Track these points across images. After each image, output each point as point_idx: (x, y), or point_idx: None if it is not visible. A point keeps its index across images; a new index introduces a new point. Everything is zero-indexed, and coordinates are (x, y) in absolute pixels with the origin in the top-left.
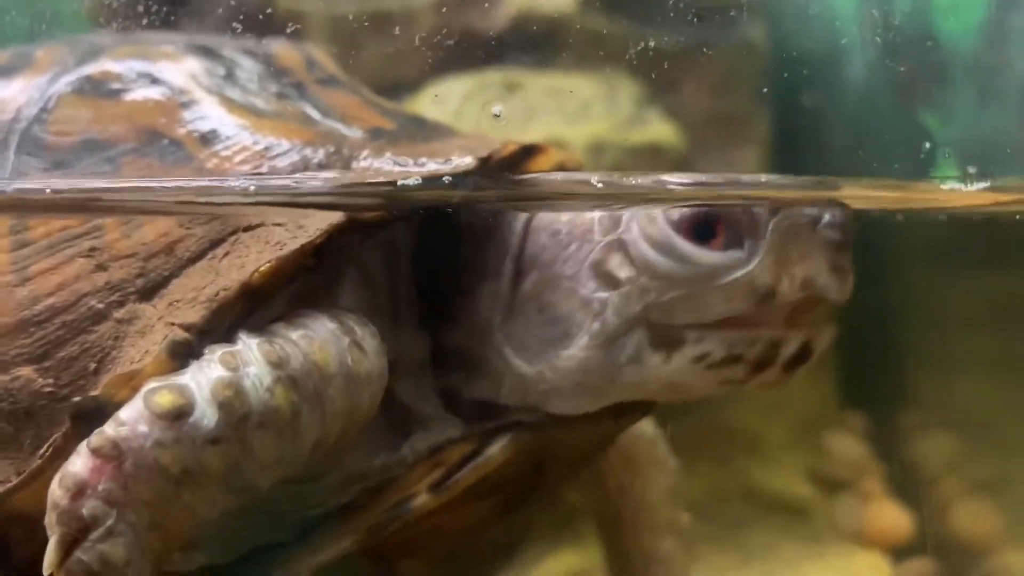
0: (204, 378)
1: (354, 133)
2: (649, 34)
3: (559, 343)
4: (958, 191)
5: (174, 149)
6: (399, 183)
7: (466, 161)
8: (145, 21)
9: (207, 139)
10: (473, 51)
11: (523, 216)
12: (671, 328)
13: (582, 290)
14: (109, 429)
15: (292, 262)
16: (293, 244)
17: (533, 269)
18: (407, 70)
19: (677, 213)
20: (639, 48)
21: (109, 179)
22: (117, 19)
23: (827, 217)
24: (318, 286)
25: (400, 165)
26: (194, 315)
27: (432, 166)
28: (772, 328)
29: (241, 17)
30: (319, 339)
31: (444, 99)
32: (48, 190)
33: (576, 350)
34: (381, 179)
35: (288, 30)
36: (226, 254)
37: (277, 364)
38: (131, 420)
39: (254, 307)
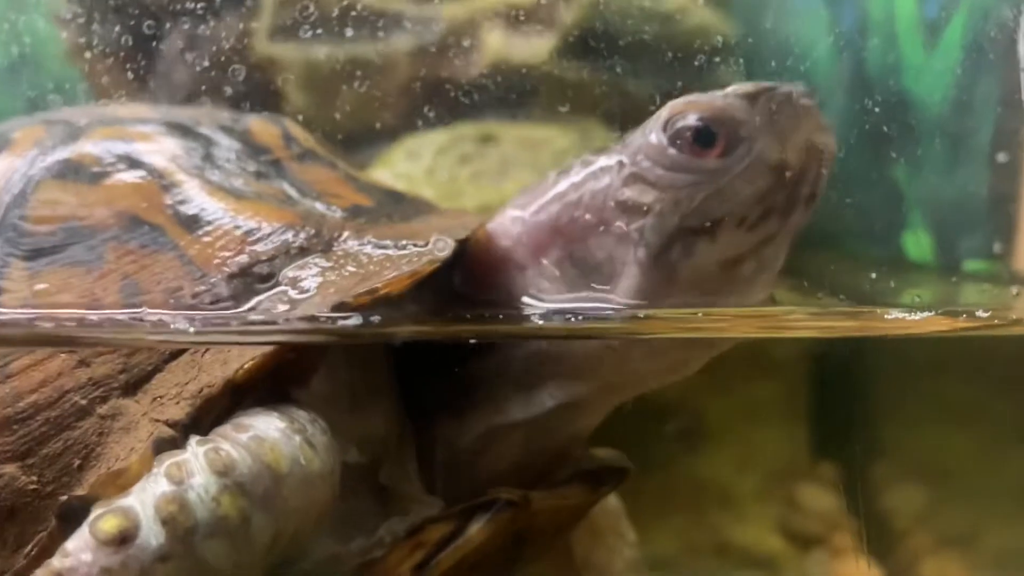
0: (149, 495)
1: (333, 212)
2: (624, 82)
3: (608, 283)
4: (903, 320)
5: (156, 235)
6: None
7: (446, 245)
8: (127, 65)
9: (188, 224)
10: (448, 100)
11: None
12: (709, 218)
13: (615, 229)
14: (55, 561)
15: (273, 358)
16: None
17: (552, 246)
18: (383, 117)
19: (675, 133)
20: (614, 96)
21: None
22: (95, 61)
23: (797, 90)
24: (292, 375)
25: (380, 248)
26: (179, 411)
27: (412, 249)
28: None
29: (217, 63)
30: (269, 440)
31: (418, 153)
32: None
33: (629, 280)
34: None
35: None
36: (207, 349)
37: (223, 472)
38: (76, 550)
39: (238, 402)
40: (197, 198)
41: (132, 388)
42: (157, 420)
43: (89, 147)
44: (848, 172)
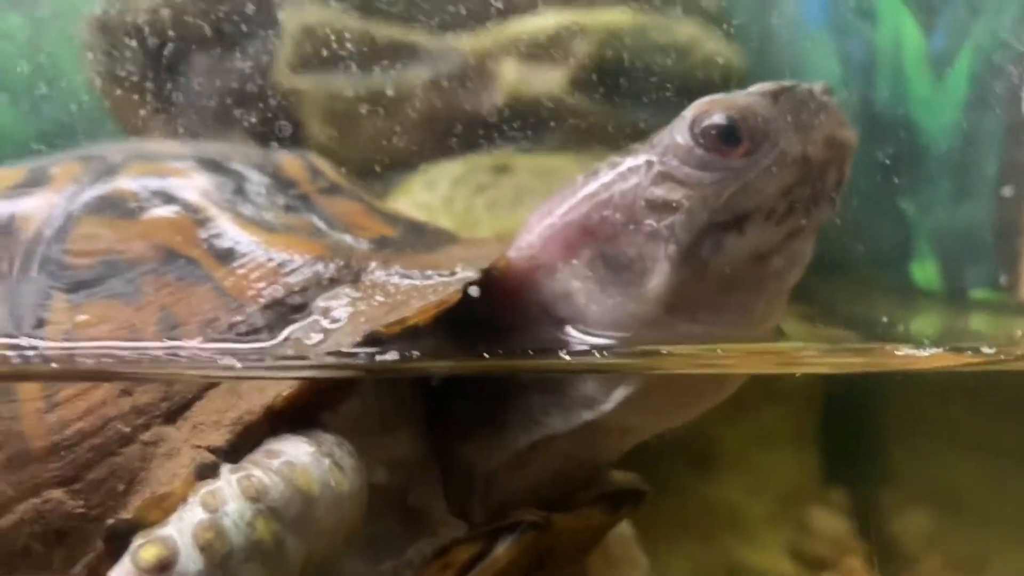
0: (186, 524)
1: (360, 244)
2: (635, 113)
3: (639, 280)
4: (913, 356)
5: (192, 268)
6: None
7: (468, 276)
8: (149, 96)
9: (223, 257)
10: (465, 131)
11: None
12: (737, 213)
13: (645, 227)
14: None
15: (311, 386)
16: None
17: (583, 245)
18: (401, 147)
19: (701, 131)
20: (625, 127)
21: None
22: (118, 91)
23: (817, 87)
24: (323, 401)
25: (407, 278)
26: (219, 438)
27: (437, 279)
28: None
29: (239, 94)
30: (300, 465)
31: (435, 183)
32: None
33: (660, 276)
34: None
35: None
36: (243, 379)
37: (256, 497)
38: None
39: (276, 428)
40: (230, 232)
41: (173, 416)
42: (198, 446)
43: (126, 183)
44: (857, 201)
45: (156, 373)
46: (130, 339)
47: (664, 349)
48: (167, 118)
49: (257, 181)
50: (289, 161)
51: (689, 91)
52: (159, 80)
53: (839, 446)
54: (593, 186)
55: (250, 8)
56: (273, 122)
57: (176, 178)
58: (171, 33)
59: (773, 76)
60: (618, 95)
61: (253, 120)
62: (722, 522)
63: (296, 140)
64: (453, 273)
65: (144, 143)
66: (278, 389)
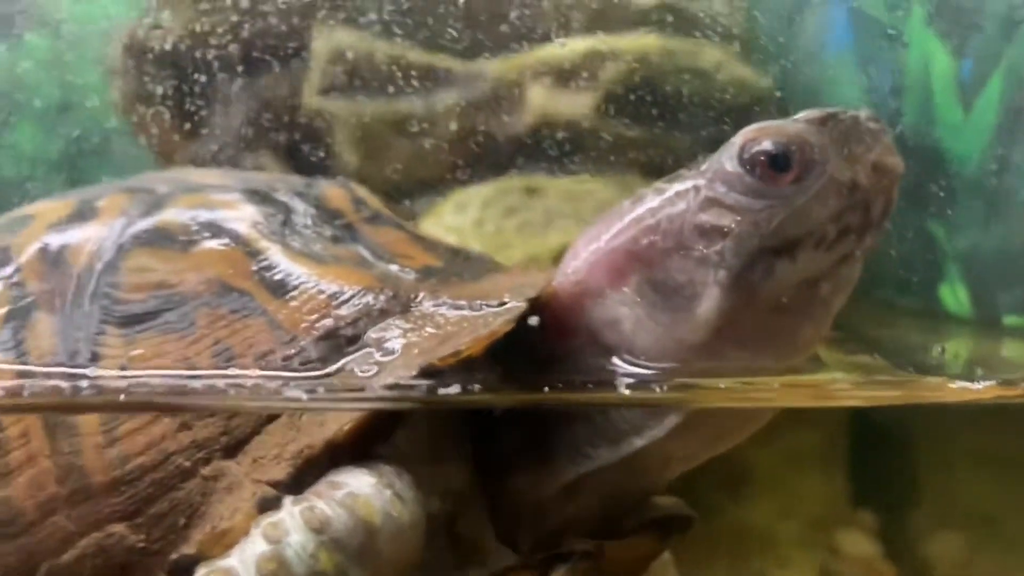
0: (249, 555)
1: (407, 274)
2: (663, 136)
3: (689, 305)
4: (967, 388)
5: (245, 300)
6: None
7: (518, 305)
8: (176, 120)
9: (275, 289)
10: (495, 154)
11: None
12: (787, 239)
13: (694, 252)
14: None
15: (370, 419)
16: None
17: (631, 271)
18: (431, 171)
19: (750, 158)
20: (653, 149)
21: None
22: (146, 113)
23: (863, 113)
24: (379, 433)
25: (456, 309)
26: (280, 472)
27: (486, 310)
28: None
29: (268, 118)
30: (362, 496)
31: (466, 206)
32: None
33: (710, 301)
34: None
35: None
36: (305, 411)
37: (319, 529)
38: None
39: (336, 461)
40: (281, 264)
41: (233, 450)
42: (259, 480)
43: (175, 215)
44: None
45: (218, 405)
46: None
47: (703, 382)
48: (195, 142)
49: (303, 212)
50: (333, 190)
51: (716, 114)
52: (187, 104)
53: (869, 468)
54: (640, 211)
55: (280, 32)
56: (302, 146)
57: (225, 210)
58: (199, 56)
59: (799, 100)
60: (646, 118)
61: (282, 143)
62: (754, 545)
63: (325, 164)
64: (503, 303)
65: (187, 173)
66: (339, 423)
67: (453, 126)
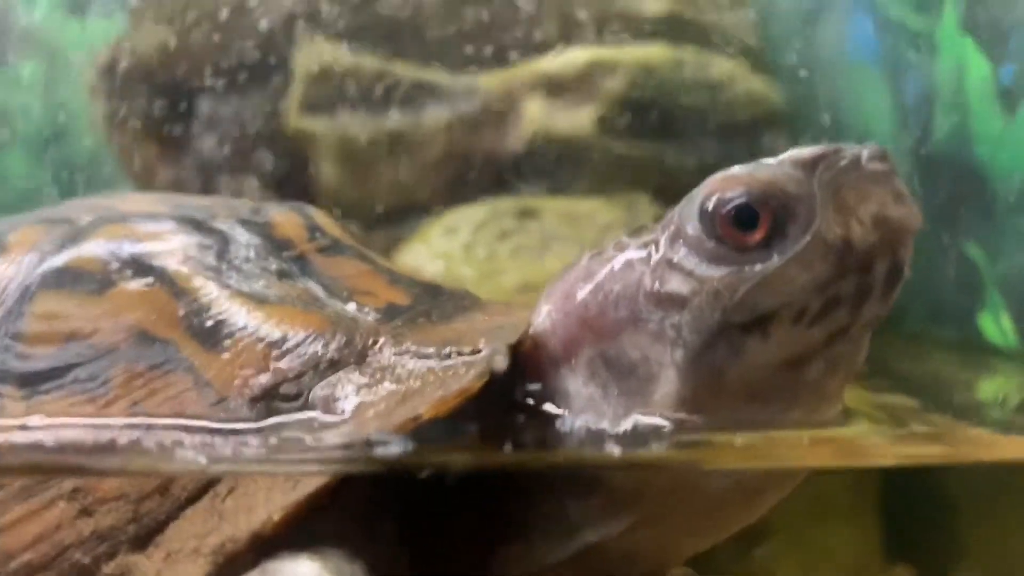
0: None
1: (366, 315)
2: (671, 153)
3: (645, 388)
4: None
5: (168, 353)
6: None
7: (494, 356)
8: (156, 141)
9: (204, 338)
10: (487, 174)
11: None
12: (757, 313)
13: (650, 325)
14: None
15: (308, 504)
16: (310, 483)
17: (583, 342)
18: (419, 192)
19: (712, 215)
20: (660, 168)
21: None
22: (125, 135)
23: (866, 152)
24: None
25: (422, 359)
26: (196, 571)
27: (457, 360)
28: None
29: (249, 137)
30: None
31: (455, 229)
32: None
33: (667, 385)
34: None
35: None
36: (230, 491)
37: None
38: None
39: (265, 556)
40: (213, 306)
41: (143, 541)
42: None
43: (92, 250)
44: (914, 249)
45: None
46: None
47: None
48: (175, 166)
49: (246, 242)
50: (283, 216)
51: (726, 130)
52: (165, 126)
53: (905, 519)
54: (595, 271)
55: (260, 48)
56: (284, 166)
57: (151, 243)
58: (179, 77)
59: (817, 115)
60: (650, 135)
61: (266, 166)
62: None
63: (308, 184)
64: (476, 351)
65: (119, 199)
66: (268, 509)
67: (443, 144)
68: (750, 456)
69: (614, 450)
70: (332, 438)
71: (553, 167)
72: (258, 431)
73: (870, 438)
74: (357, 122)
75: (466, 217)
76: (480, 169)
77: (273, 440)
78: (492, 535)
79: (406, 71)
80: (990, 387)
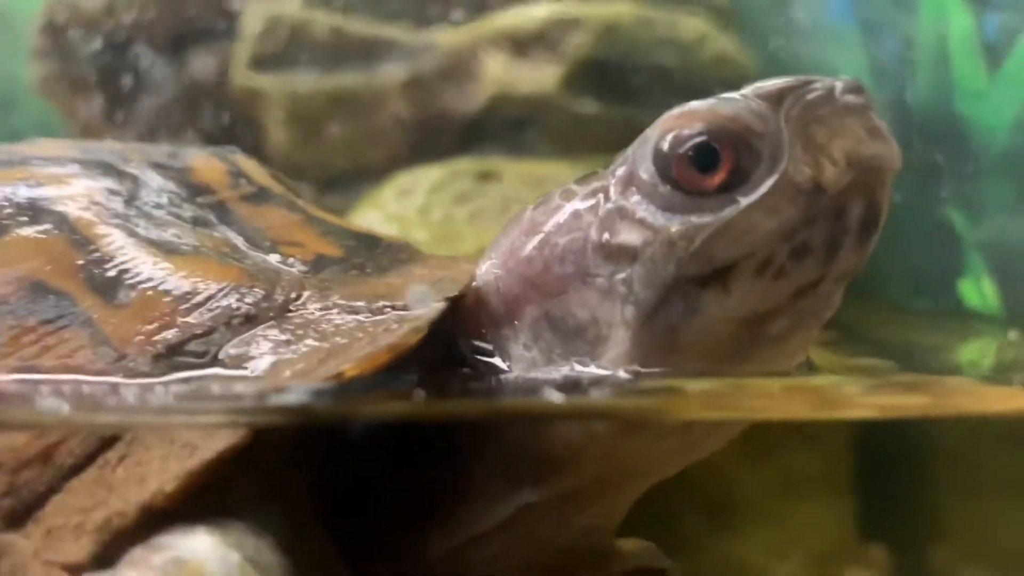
0: None
1: (290, 267)
2: (637, 114)
3: (593, 350)
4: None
5: (64, 306)
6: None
7: (434, 308)
8: (98, 99)
9: (105, 290)
10: (445, 135)
11: None
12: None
13: (598, 281)
14: None
15: (206, 473)
16: (208, 448)
17: (526, 301)
18: (373, 152)
19: (668, 155)
20: (626, 130)
21: None
22: (69, 94)
23: (839, 84)
24: (231, 485)
25: (351, 313)
26: (79, 551)
27: (391, 316)
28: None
29: (194, 94)
30: (194, 562)
31: (409, 192)
32: None
33: (617, 346)
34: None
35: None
36: (121, 459)
37: None
38: None
39: (156, 530)
40: (117, 256)
41: (20, 517)
42: (51, 562)
43: None
44: (891, 213)
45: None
46: None
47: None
48: (118, 125)
49: (158, 187)
50: (202, 161)
51: (696, 92)
52: (108, 84)
53: (880, 495)
54: (540, 222)
55: (208, 3)
56: (231, 126)
57: (52, 186)
58: (122, 33)
59: (790, 73)
60: (616, 95)
61: (210, 124)
62: None
63: (257, 145)
64: (407, 307)
65: (26, 144)
66: (161, 478)
67: (399, 103)
68: (713, 406)
69: (559, 398)
70: (240, 388)
71: (514, 128)
72: (154, 386)
73: (845, 387)
74: (309, 80)
75: (421, 179)
76: (438, 130)
77: (171, 392)
78: (417, 506)
79: (360, 27)
80: (970, 351)
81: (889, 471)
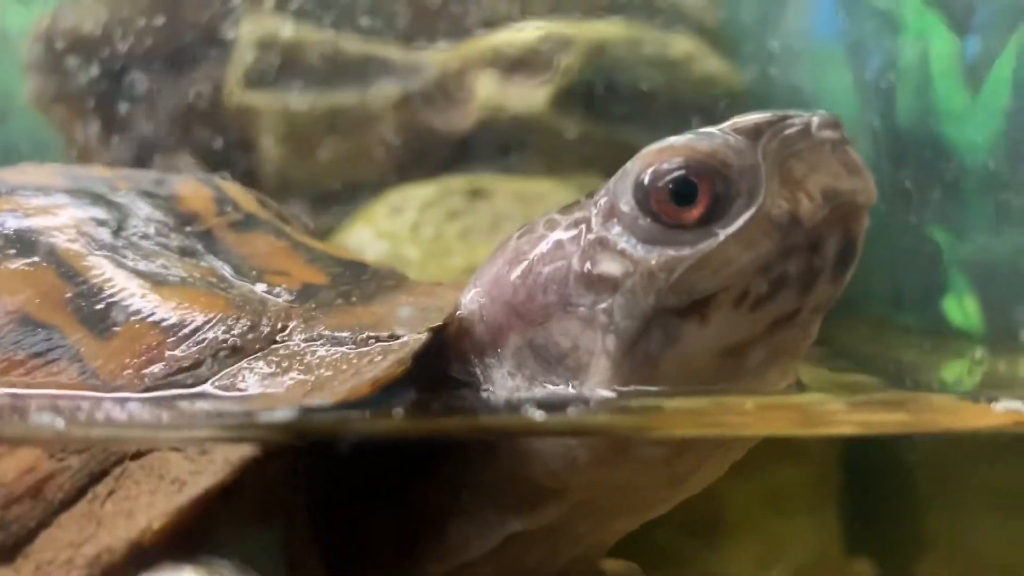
0: None
1: (277, 296)
2: (626, 134)
3: (575, 378)
4: (988, 410)
5: (52, 340)
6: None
7: (417, 339)
8: (94, 116)
9: (93, 323)
10: (436, 153)
11: None
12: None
13: (580, 310)
14: None
15: (194, 510)
16: (195, 485)
17: (509, 329)
18: (367, 171)
19: (647, 189)
20: (616, 149)
21: None
22: (64, 110)
23: (816, 119)
24: (214, 524)
25: (336, 344)
26: None
27: (375, 348)
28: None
29: (189, 112)
30: None
31: (401, 209)
32: None
33: (599, 374)
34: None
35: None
36: (110, 493)
37: None
38: None
39: (145, 566)
40: (105, 288)
41: (10, 552)
42: None
43: None
44: (876, 231)
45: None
46: None
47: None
48: (113, 142)
49: (146, 217)
50: (190, 189)
51: (684, 111)
52: (102, 101)
53: (865, 509)
54: (524, 251)
55: (202, 19)
56: (226, 143)
57: (39, 217)
58: (117, 50)
59: (778, 95)
60: (605, 113)
61: (204, 141)
62: None
63: (250, 162)
64: (394, 336)
65: (11, 171)
66: (149, 514)
67: (391, 121)
68: (697, 423)
69: (546, 416)
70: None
71: (504, 146)
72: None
73: (828, 404)
74: (302, 99)
75: (413, 196)
76: (429, 148)
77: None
78: (409, 533)
79: (353, 45)
80: (953, 370)
81: (874, 486)
